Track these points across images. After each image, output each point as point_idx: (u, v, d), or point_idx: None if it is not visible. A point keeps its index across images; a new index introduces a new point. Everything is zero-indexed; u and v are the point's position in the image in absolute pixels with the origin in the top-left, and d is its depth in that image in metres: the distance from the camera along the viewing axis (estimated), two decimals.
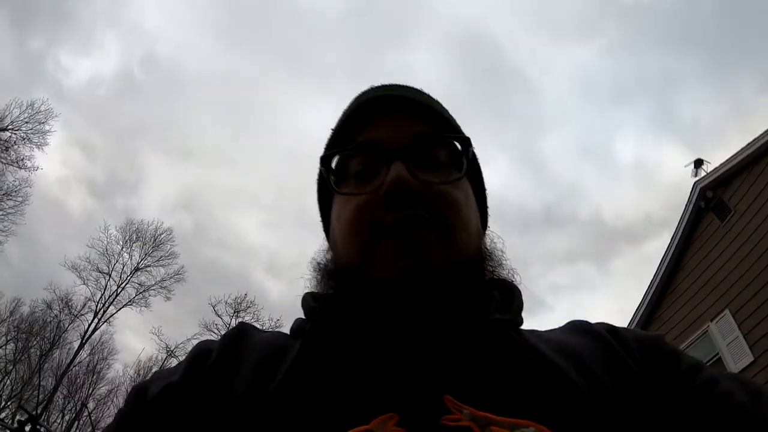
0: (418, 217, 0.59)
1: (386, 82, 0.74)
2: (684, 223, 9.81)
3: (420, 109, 0.69)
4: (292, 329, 0.64)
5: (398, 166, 0.60)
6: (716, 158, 10.08)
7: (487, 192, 0.77)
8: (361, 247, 0.60)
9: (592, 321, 0.68)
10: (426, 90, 0.74)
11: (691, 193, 9.75)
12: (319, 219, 0.79)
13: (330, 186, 0.67)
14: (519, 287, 0.66)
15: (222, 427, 0.51)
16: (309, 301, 0.65)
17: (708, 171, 9.91)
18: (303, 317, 0.65)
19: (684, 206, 9.90)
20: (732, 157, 9.12)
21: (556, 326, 0.69)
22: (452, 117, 0.74)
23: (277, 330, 0.68)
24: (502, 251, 0.69)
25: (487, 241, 0.70)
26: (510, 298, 0.64)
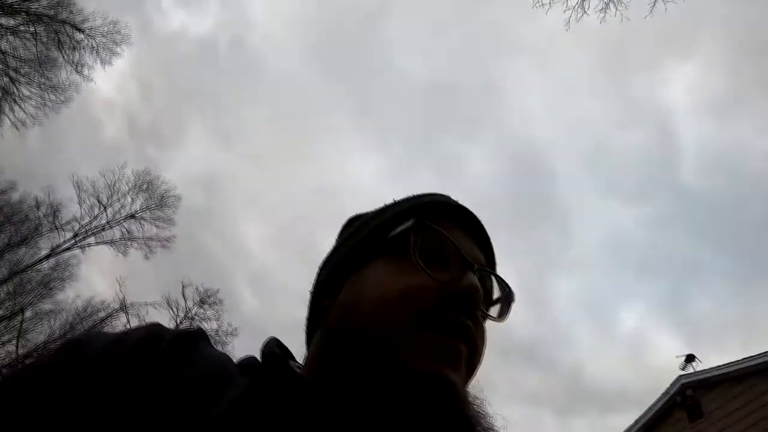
0: (468, 328, 0.59)
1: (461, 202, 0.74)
2: (654, 410, 9.74)
3: (488, 244, 0.72)
4: (241, 362, 0.63)
5: (475, 278, 0.61)
6: (709, 360, 10.07)
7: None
8: (405, 325, 0.56)
9: None
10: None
11: (672, 384, 9.71)
12: (326, 271, 0.73)
13: (411, 249, 0.61)
14: None
15: (144, 426, 0.48)
16: (273, 346, 0.64)
17: (696, 369, 9.89)
18: (254, 356, 0.64)
19: (661, 394, 9.83)
20: (723, 365, 9.13)
21: None
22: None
23: (224, 353, 0.64)
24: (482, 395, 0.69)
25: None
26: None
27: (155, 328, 0.59)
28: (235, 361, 0.63)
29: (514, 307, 0.71)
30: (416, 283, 0.59)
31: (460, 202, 0.73)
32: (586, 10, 10.30)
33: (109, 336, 0.57)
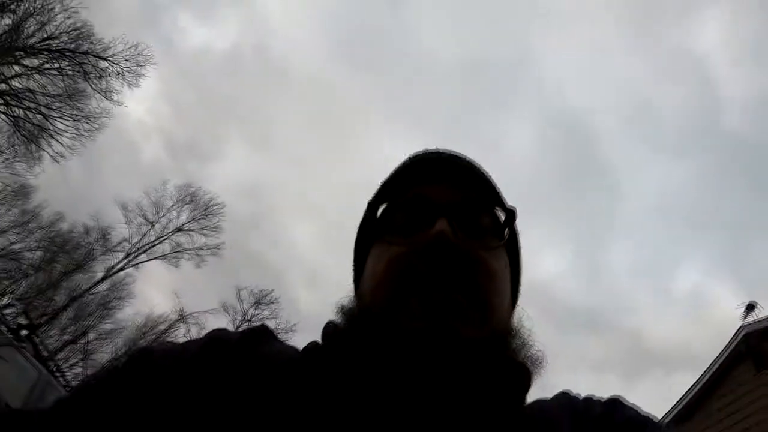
0: (453, 278, 0.59)
1: (441, 148, 0.75)
2: (719, 363, 9.32)
3: (471, 176, 0.70)
4: (306, 349, 0.65)
5: (443, 223, 0.61)
6: None
7: (522, 269, 0.77)
8: (392, 296, 0.60)
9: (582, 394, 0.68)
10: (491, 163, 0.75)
11: (734, 334, 9.27)
12: (352, 265, 0.78)
13: (373, 231, 0.68)
14: (539, 367, 0.64)
15: (218, 423, 0.52)
16: (331, 328, 0.66)
17: (758, 318, 9.43)
18: (317, 341, 0.66)
19: (724, 346, 9.42)
20: None
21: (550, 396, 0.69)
22: (501, 191, 0.74)
23: (291, 345, 0.68)
24: (530, 330, 0.67)
25: (516, 318, 0.69)
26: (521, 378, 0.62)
27: (220, 332, 0.64)
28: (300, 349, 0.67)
29: (519, 221, 0.70)
30: (396, 254, 0.62)
31: (440, 149, 0.74)
32: None
33: (176, 343, 0.62)
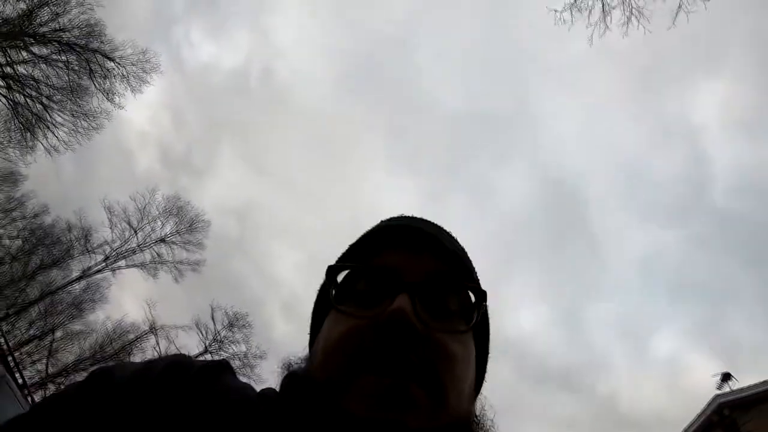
0: (408, 361, 0.55)
1: (417, 215, 0.74)
2: (692, 430, 9.42)
3: (444, 252, 0.66)
4: (262, 394, 0.64)
5: (404, 299, 0.57)
6: (746, 381, 9.73)
7: (489, 355, 0.74)
8: (341, 370, 0.56)
9: None
10: (456, 234, 0.74)
11: (708, 403, 9.43)
12: (308, 327, 0.75)
13: (330, 299, 0.63)
14: None
15: None
16: (284, 384, 0.64)
17: (733, 389, 9.59)
18: (274, 389, 0.65)
19: (697, 414, 9.55)
20: (760, 383, 8.84)
21: None
22: (474, 269, 0.71)
23: (248, 384, 0.66)
24: (492, 421, 0.65)
25: (478, 406, 0.66)
26: None
27: (181, 358, 0.62)
28: (258, 390, 0.65)
29: (491, 304, 0.67)
30: (351, 326, 0.59)
31: (416, 218, 0.73)
32: (608, 24, 10.29)
33: (137, 364, 0.59)
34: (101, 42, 18.82)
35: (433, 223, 0.72)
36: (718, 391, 9.61)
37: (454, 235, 0.74)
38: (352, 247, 0.70)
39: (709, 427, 9.12)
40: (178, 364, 0.60)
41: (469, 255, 0.73)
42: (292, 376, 0.63)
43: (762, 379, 8.74)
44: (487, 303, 0.65)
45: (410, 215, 0.74)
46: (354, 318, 0.59)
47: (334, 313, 0.63)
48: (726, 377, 10.17)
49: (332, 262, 0.68)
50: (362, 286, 0.63)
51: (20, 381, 11.60)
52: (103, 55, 18.99)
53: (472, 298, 0.65)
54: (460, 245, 0.73)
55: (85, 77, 18.88)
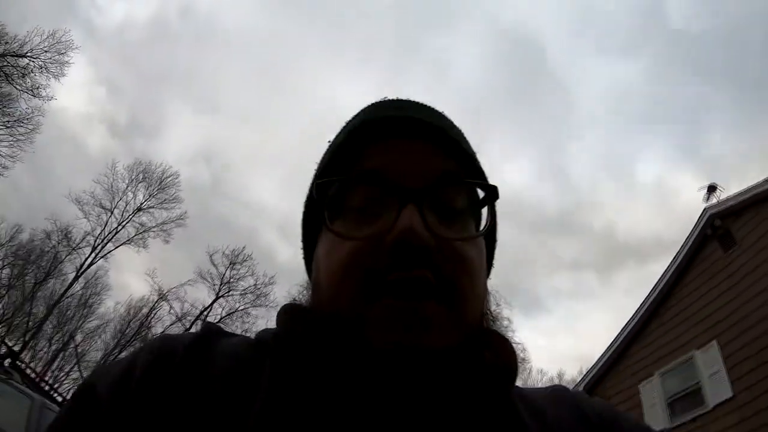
0: (425, 281, 0.51)
1: (403, 97, 0.64)
2: (687, 247, 9.75)
3: (442, 140, 0.59)
4: (257, 338, 0.60)
5: (412, 213, 0.51)
6: (732, 189, 9.93)
7: (497, 244, 0.68)
8: (355, 299, 0.52)
9: (571, 387, 0.67)
10: (446, 112, 0.66)
11: (699, 217, 9.66)
12: (301, 246, 0.68)
13: (324, 222, 0.56)
14: (514, 347, 0.60)
15: None
16: (287, 321, 0.59)
17: (720, 199, 9.80)
18: (271, 329, 0.60)
19: (690, 230, 9.82)
20: (747, 189, 9.02)
21: (540, 386, 0.67)
22: (476, 155, 0.64)
23: (243, 335, 0.62)
24: (498, 304, 0.62)
25: (491, 304, 0.62)
26: (505, 360, 0.59)
27: (163, 345, 0.56)
28: (253, 337, 0.61)
29: (500, 205, 0.60)
30: (354, 249, 0.53)
31: (401, 99, 0.64)
32: None
33: (118, 367, 0.55)
34: (6, 43, 17.67)
35: (423, 105, 0.64)
36: (707, 204, 9.83)
37: (447, 114, 0.65)
38: (335, 150, 0.61)
39: (704, 241, 9.38)
40: (162, 354, 0.54)
41: (466, 137, 0.65)
42: (294, 314, 0.59)
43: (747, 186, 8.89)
44: (498, 198, 0.59)
45: (395, 98, 0.64)
46: (353, 241, 0.53)
47: (328, 233, 0.56)
48: (711, 189, 10.33)
49: (315, 168, 0.64)
50: (358, 198, 0.57)
51: (60, 399, 11.87)
52: (13, 56, 17.86)
53: (481, 194, 0.60)
54: (458, 129, 0.65)
55: (3, 84, 17.87)
